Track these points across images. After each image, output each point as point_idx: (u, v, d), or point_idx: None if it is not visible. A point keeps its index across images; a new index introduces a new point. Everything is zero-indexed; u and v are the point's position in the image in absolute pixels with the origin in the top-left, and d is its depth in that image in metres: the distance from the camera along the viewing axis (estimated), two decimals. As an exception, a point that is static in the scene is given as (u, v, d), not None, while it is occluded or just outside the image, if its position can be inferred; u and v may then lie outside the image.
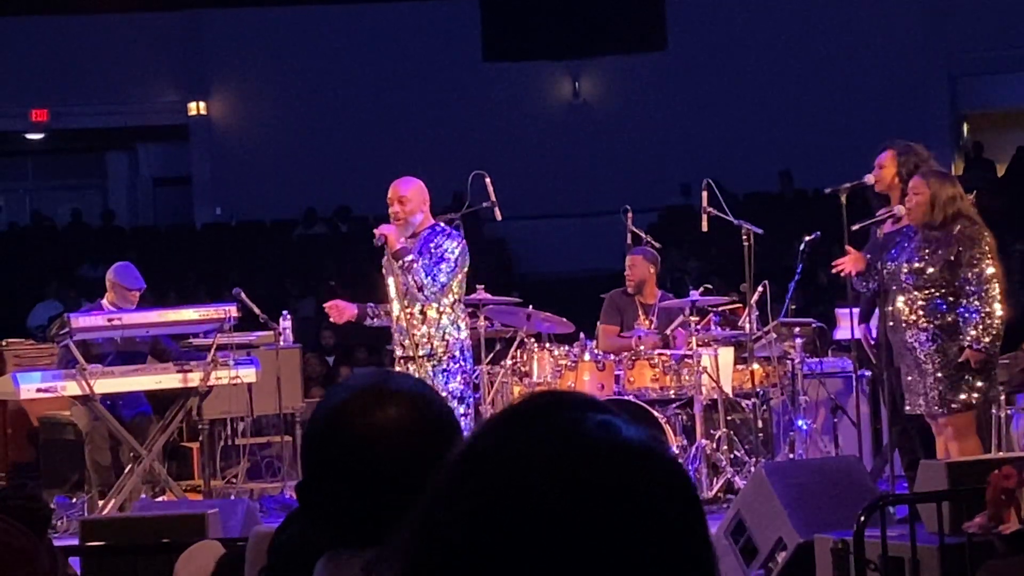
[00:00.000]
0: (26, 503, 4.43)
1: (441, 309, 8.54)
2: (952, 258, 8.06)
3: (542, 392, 1.40)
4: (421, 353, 8.50)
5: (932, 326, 8.10)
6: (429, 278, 8.48)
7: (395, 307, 8.66)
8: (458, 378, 8.55)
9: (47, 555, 3.33)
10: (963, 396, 8.04)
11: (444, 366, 8.54)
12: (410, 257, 8.51)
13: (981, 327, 8.00)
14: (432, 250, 8.51)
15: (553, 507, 1.27)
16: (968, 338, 8.00)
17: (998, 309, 8.04)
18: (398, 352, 8.66)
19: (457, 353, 8.55)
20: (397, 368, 8.49)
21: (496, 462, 1.30)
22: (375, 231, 8.73)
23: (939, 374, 8.06)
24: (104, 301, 10.68)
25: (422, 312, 8.56)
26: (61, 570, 4.07)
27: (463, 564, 1.28)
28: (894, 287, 8.25)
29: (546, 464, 1.29)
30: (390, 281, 8.68)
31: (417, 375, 8.36)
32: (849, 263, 8.62)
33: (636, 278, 10.87)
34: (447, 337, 8.54)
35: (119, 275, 10.69)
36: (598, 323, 11.07)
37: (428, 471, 2.00)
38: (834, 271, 8.82)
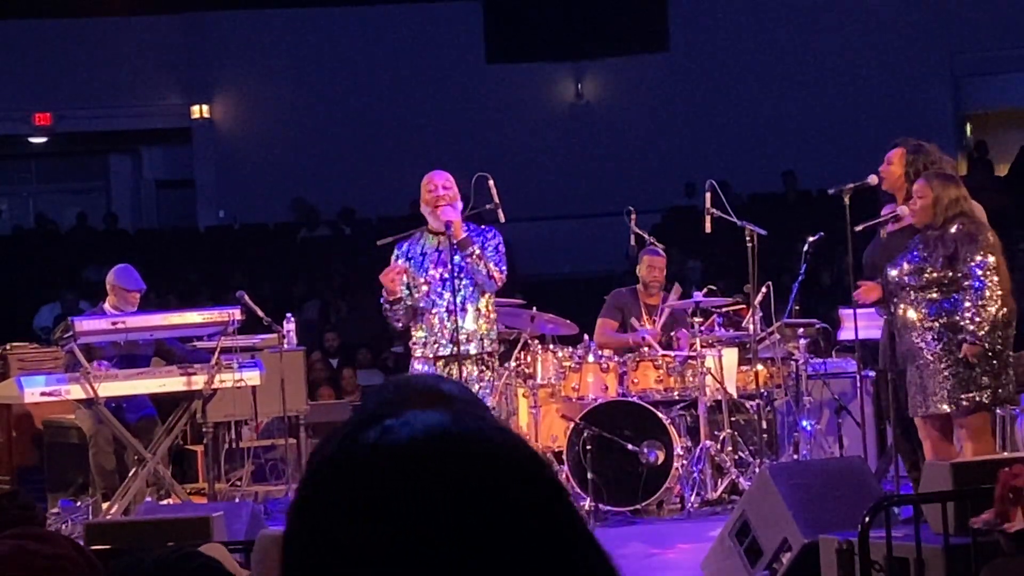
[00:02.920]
0: (23, 511, 4.43)
1: (490, 306, 8.54)
2: (950, 255, 8.05)
3: (381, 388, 1.38)
4: (493, 348, 8.44)
5: (937, 325, 8.09)
6: (497, 267, 8.43)
7: (443, 300, 8.39)
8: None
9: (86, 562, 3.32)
10: (971, 394, 8.02)
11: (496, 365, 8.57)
12: (478, 246, 8.39)
13: (978, 320, 7.98)
14: (483, 242, 8.45)
15: (335, 521, 1.25)
16: (965, 332, 7.99)
17: (997, 302, 8.01)
18: (441, 351, 8.40)
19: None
20: (438, 369, 8.35)
21: (306, 475, 1.30)
22: (440, 215, 8.36)
23: (947, 372, 8.05)
24: (106, 304, 10.68)
25: (486, 308, 8.44)
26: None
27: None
28: (898, 290, 8.24)
29: (326, 479, 1.27)
30: (434, 272, 8.45)
31: (469, 376, 8.32)
32: (866, 295, 8.54)
33: (661, 280, 10.93)
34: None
35: (119, 277, 10.69)
36: (599, 317, 11.05)
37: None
38: (859, 301, 8.69)
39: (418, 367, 8.46)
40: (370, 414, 1.30)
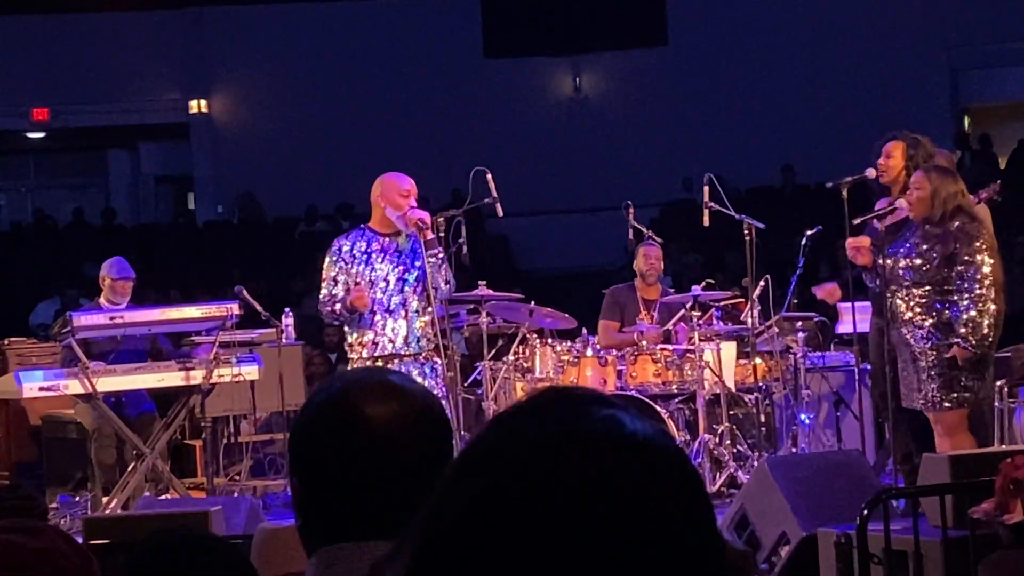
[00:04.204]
0: (23, 503, 4.43)
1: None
2: (948, 255, 8.05)
3: (547, 388, 1.40)
4: (431, 347, 8.40)
5: (928, 323, 8.09)
6: (451, 275, 8.46)
7: (400, 300, 8.36)
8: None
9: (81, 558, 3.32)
10: (955, 395, 8.03)
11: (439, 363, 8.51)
12: (440, 250, 8.41)
13: (971, 325, 7.98)
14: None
15: (557, 503, 1.26)
16: (957, 336, 7.99)
17: (990, 307, 8.00)
18: (397, 348, 8.37)
19: None
20: (392, 365, 8.32)
21: (500, 458, 1.30)
22: (412, 215, 8.30)
23: (932, 371, 8.05)
24: (101, 299, 10.69)
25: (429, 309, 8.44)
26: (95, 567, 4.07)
27: (468, 561, 1.27)
28: (893, 282, 8.25)
29: (549, 459, 1.28)
30: (391, 271, 8.38)
31: (421, 371, 8.33)
32: (859, 246, 8.51)
33: (659, 269, 10.95)
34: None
35: (107, 268, 10.74)
36: (600, 319, 11.08)
37: (425, 465, 2.00)
38: (849, 245, 8.66)
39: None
40: (576, 398, 1.34)
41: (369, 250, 8.39)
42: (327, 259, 8.46)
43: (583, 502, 1.26)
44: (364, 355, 8.37)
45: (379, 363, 8.26)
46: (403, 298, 8.37)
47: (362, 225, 8.54)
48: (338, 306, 8.36)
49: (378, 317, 8.35)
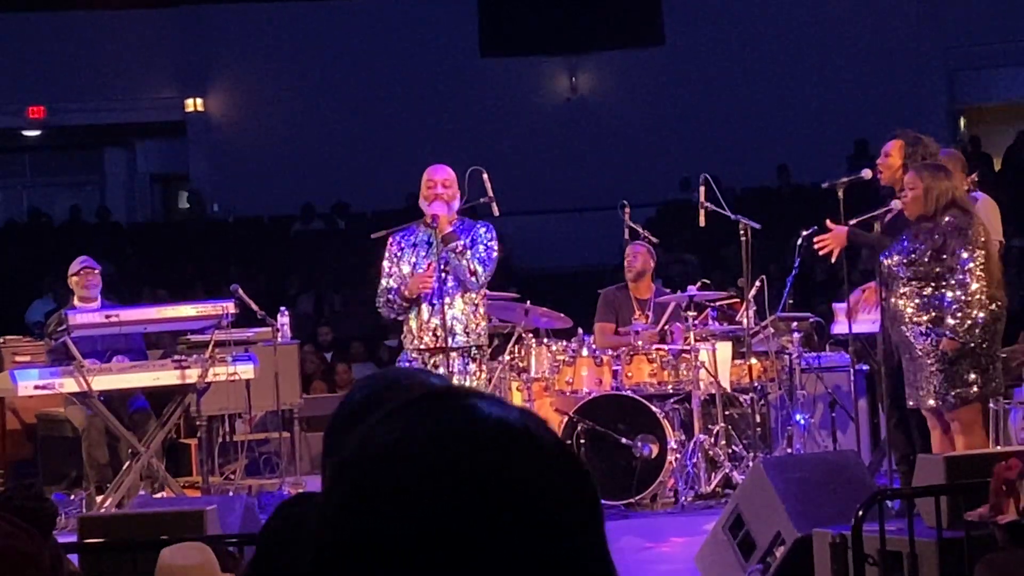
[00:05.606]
0: (32, 503, 4.43)
1: (479, 301, 8.62)
2: (938, 248, 8.06)
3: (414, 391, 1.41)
4: (482, 342, 8.54)
5: (926, 319, 8.10)
6: (481, 266, 8.48)
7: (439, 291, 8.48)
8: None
9: (51, 557, 3.32)
10: (958, 390, 8.04)
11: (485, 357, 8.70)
12: (462, 242, 8.47)
13: (960, 315, 7.98)
14: (474, 239, 8.52)
15: (415, 500, 1.26)
16: (946, 327, 7.99)
17: (980, 299, 8.00)
18: (424, 342, 8.49)
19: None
20: (421, 362, 8.42)
21: (361, 456, 1.31)
22: (428, 209, 8.53)
23: (934, 367, 8.06)
24: (75, 300, 10.77)
25: (475, 303, 8.54)
26: (64, 570, 4.07)
27: (347, 562, 1.28)
28: (892, 281, 8.25)
29: (403, 459, 1.28)
30: (424, 263, 8.56)
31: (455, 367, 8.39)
32: (833, 240, 8.57)
33: (638, 266, 10.89)
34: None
35: (71, 267, 10.90)
36: (595, 322, 11.08)
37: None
38: (817, 249, 8.74)
39: (407, 358, 8.58)
40: (441, 393, 1.34)
41: (416, 243, 8.62)
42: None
43: (441, 495, 1.26)
44: (408, 346, 8.58)
45: (424, 355, 8.46)
46: (440, 289, 8.47)
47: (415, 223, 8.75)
48: (391, 295, 8.57)
49: (424, 308, 8.50)
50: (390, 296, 8.60)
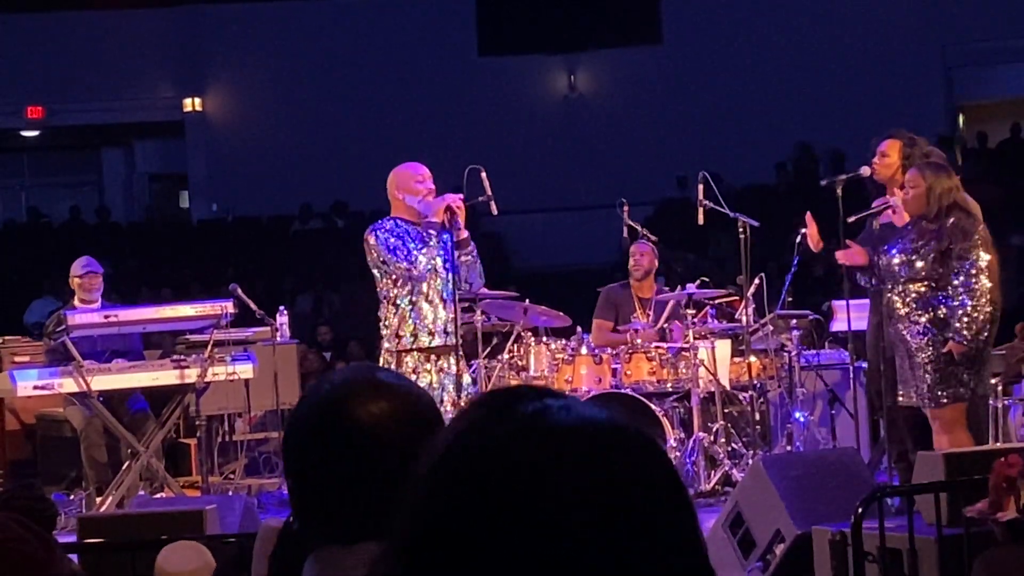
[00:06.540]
0: (33, 503, 4.43)
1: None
2: (944, 251, 8.06)
3: (486, 392, 1.40)
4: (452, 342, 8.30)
5: (924, 319, 8.10)
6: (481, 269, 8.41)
7: (435, 287, 8.17)
8: None
9: (56, 558, 3.32)
10: (951, 390, 8.04)
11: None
12: (473, 247, 8.30)
13: (966, 320, 7.98)
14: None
15: (507, 495, 1.26)
16: (952, 331, 7.99)
17: (985, 303, 8.01)
18: (437, 341, 8.19)
19: None
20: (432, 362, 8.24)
21: (450, 453, 1.31)
22: (443, 201, 8.10)
23: (929, 367, 8.06)
24: (75, 301, 10.74)
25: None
26: (67, 570, 4.08)
27: (440, 557, 1.27)
28: (889, 279, 8.25)
29: (490, 451, 1.28)
30: (424, 258, 8.13)
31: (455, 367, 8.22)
32: (851, 256, 8.59)
33: (646, 266, 10.92)
34: None
35: (74, 268, 10.89)
36: (593, 318, 11.08)
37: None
38: (839, 261, 8.76)
39: (408, 361, 8.30)
40: (523, 394, 1.34)
41: (427, 242, 8.14)
42: (378, 244, 8.17)
43: (534, 495, 1.25)
44: (408, 346, 8.19)
45: (432, 356, 8.15)
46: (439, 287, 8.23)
47: (391, 216, 8.34)
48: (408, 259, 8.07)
49: (425, 305, 8.19)
50: (405, 261, 8.05)
